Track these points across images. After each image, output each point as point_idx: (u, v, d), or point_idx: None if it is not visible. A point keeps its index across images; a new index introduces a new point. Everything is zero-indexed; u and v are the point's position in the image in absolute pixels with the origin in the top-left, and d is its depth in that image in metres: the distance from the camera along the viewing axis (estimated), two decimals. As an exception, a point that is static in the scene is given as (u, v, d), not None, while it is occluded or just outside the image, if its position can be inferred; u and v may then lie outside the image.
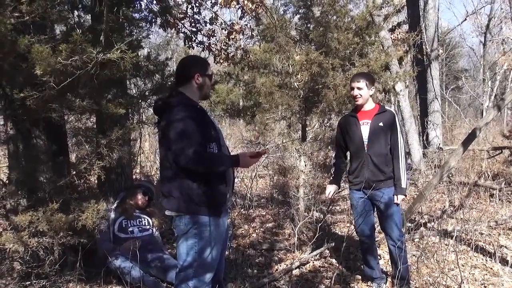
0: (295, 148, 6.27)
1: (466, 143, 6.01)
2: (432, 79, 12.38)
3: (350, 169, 4.51)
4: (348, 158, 4.74)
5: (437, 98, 12.34)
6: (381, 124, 4.28)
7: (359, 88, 4.28)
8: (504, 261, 5.07)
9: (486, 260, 5.25)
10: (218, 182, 3.13)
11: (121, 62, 3.39)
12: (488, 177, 8.98)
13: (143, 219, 5.17)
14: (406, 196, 4.47)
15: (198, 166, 2.97)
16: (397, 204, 4.31)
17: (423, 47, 12.47)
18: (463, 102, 26.79)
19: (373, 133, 4.28)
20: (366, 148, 4.30)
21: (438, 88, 12.65)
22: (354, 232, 4.81)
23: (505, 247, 5.73)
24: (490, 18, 21.57)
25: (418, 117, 13.58)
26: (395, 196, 4.29)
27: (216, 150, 3.13)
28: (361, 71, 5.55)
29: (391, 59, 8.41)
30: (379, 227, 4.73)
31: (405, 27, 14.45)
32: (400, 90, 9.94)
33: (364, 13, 6.03)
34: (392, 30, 13.68)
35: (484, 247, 5.61)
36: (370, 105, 4.38)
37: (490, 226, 6.25)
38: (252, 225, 6.80)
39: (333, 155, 4.81)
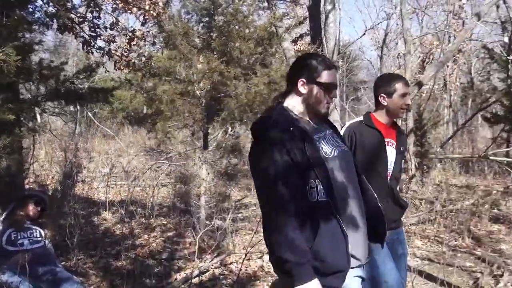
0: (198, 156, 6.27)
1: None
2: (332, 90, 12.89)
3: None
4: None
5: (336, 108, 12.83)
6: (401, 148, 3.21)
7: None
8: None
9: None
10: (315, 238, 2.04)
11: (4, 65, 3.20)
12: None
13: (34, 230, 4.90)
14: None
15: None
16: None
17: (324, 59, 12.97)
18: (362, 113, 28.02)
19: (398, 159, 3.17)
20: (389, 178, 3.10)
21: (338, 99, 13.20)
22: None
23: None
24: (386, 33, 22.86)
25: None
26: None
27: (322, 189, 2.06)
28: (262, 81, 5.67)
29: (292, 70, 8.65)
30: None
31: (308, 38, 14.93)
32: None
33: (266, 24, 6.19)
34: (295, 42, 14.08)
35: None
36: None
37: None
38: (153, 235, 6.67)
39: None
